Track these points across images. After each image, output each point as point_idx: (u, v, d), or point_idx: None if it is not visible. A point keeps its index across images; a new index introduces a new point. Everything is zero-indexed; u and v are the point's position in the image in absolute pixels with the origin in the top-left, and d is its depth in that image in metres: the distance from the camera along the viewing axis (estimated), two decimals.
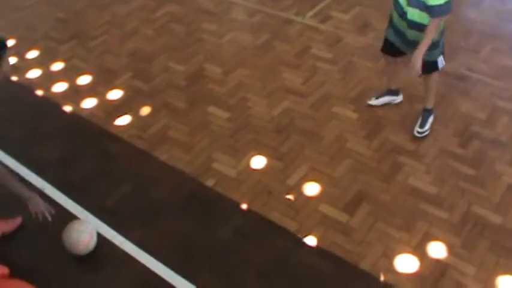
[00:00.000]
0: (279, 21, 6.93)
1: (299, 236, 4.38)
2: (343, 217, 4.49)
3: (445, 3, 4.27)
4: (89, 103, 5.90)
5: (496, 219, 4.41)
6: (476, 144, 5.08)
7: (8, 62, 4.08)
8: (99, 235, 4.37)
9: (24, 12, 7.74)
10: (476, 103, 5.54)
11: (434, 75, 5.04)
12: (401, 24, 4.73)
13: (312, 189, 4.75)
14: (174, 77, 6.17)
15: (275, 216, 4.53)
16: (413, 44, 4.62)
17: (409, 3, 4.48)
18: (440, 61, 4.89)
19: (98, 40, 6.94)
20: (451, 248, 4.21)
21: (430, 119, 5.28)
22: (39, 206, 3.91)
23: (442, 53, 4.88)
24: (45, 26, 7.33)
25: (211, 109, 5.67)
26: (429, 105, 5.27)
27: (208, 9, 7.38)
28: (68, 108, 5.86)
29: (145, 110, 5.76)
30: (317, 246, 4.30)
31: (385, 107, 5.51)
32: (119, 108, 5.80)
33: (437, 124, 5.29)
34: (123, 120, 5.64)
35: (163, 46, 6.71)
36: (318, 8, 7.09)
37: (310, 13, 7.03)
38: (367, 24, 6.72)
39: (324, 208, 4.57)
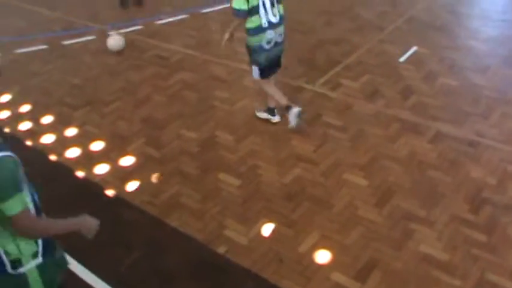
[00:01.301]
0: (290, 89, 7.05)
1: None
2: (354, 285, 4.45)
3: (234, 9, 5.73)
4: (101, 169, 5.96)
5: (510, 285, 4.35)
6: (487, 210, 5.07)
7: None
8: None
9: (40, 78, 7.93)
10: (486, 169, 5.57)
11: (256, 81, 6.35)
12: None
13: (323, 256, 4.73)
14: (186, 144, 6.24)
15: (286, 284, 4.48)
16: None
17: None
18: (254, 70, 6.10)
19: (111, 106, 7.07)
20: None
21: (265, 115, 6.49)
22: (92, 227, 3.56)
23: (257, 66, 6.03)
24: (60, 92, 7.49)
25: (223, 176, 5.70)
26: (269, 105, 6.47)
27: (220, 76, 7.52)
28: (80, 174, 5.92)
29: (157, 177, 5.81)
30: None
31: (395, 173, 5.54)
32: (131, 174, 5.85)
33: (448, 190, 5.31)
34: (135, 186, 5.67)
35: (175, 113, 6.82)
36: (327, 75, 7.22)
37: (321, 81, 7.16)
38: (376, 91, 6.82)
39: (336, 276, 4.54)
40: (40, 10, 10.65)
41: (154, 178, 5.74)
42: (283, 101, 6.18)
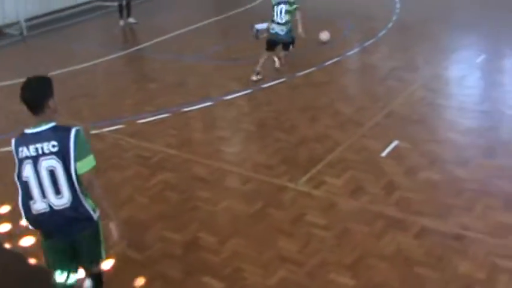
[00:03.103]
0: (273, 188, 7.04)
1: None
2: None
3: None
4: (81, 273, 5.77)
5: None
6: None
7: None
8: None
9: None
10: (474, 262, 5.51)
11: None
12: None
13: None
14: (169, 246, 6.12)
15: None
16: None
17: None
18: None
19: None
20: None
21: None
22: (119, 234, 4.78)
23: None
24: None
25: (207, 279, 5.57)
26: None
27: (202, 176, 7.49)
28: None
29: (139, 281, 5.66)
30: None
31: (382, 271, 5.45)
32: (111, 279, 5.65)
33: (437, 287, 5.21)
34: None
35: (157, 214, 6.73)
36: (310, 173, 7.22)
37: (304, 179, 7.14)
38: (360, 187, 6.82)
39: None
40: None
41: None
42: (257, 67, 10.65)
